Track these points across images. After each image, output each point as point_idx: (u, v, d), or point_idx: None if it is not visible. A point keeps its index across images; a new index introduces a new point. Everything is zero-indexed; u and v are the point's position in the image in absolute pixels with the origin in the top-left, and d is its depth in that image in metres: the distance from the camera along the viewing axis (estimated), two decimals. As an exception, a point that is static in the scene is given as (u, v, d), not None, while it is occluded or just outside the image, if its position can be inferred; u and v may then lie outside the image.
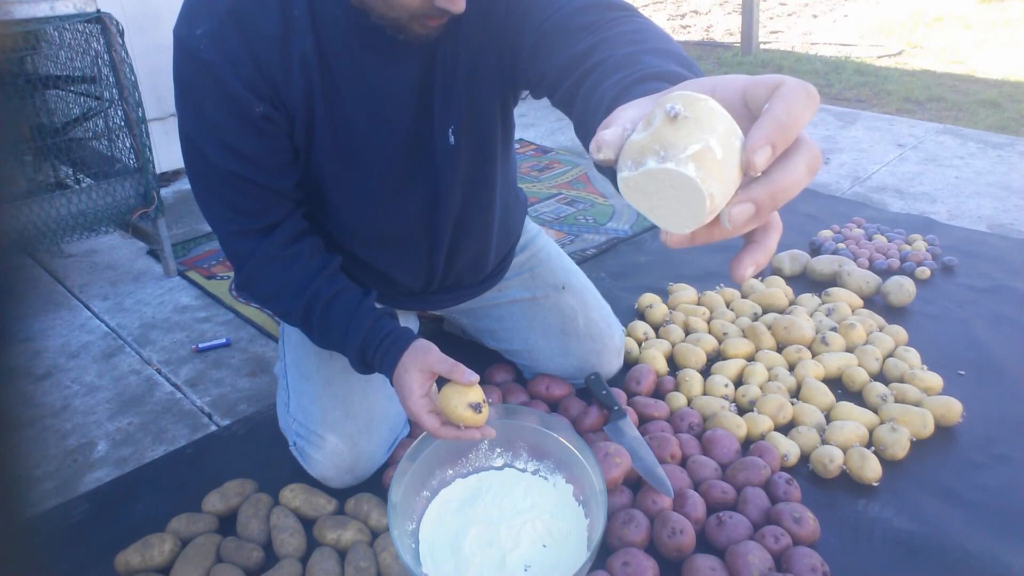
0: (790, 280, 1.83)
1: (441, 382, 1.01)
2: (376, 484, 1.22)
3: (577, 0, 0.87)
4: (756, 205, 0.44)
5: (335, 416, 1.20)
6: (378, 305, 1.10)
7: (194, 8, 0.96)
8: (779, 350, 1.55)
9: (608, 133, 0.47)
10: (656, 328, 1.63)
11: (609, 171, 0.56)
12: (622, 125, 0.47)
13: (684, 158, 0.41)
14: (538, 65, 0.90)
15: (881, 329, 1.60)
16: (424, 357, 1.01)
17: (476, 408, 0.97)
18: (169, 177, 2.57)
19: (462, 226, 1.21)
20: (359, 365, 1.08)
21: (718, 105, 0.43)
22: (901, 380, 1.45)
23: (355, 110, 1.03)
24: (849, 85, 3.81)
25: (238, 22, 0.94)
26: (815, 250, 1.98)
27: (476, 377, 0.98)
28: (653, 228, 2.17)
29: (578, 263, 1.52)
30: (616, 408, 1.30)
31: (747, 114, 0.47)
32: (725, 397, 1.40)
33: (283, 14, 0.95)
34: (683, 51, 0.75)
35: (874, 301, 1.75)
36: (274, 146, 1.02)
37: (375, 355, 1.05)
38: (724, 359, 1.52)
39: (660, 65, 0.68)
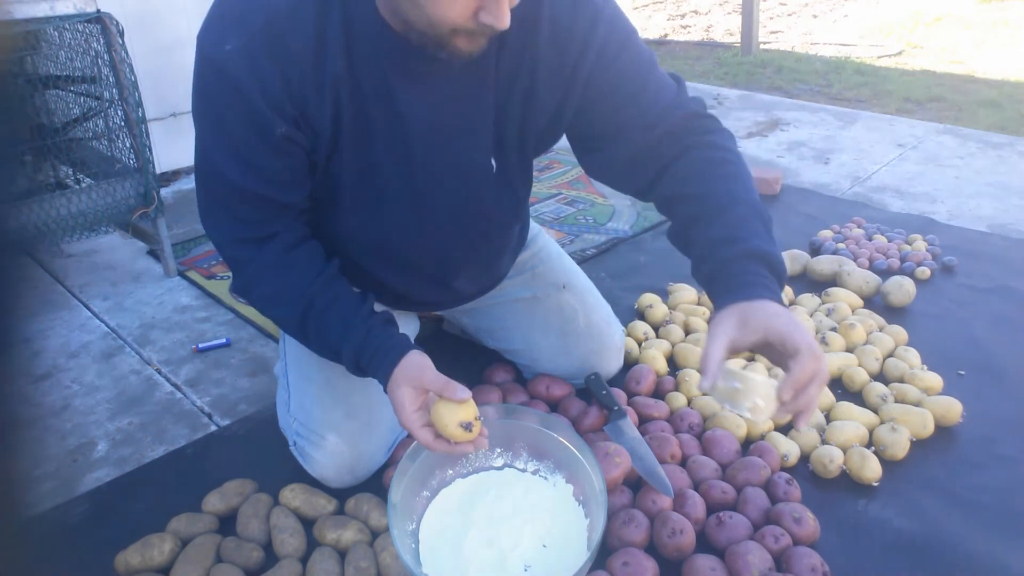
0: (790, 280, 1.83)
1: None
2: (376, 484, 1.22)
3: (666, 103, 1.03)
4: (791, 412, 0.87)
5: (336, 416, 1.20)
6: (376, 307, 1.10)
7: (224, 21, 0.93)
8: (779, 350, 1.55)
9: (705, 384, 0.87)
10: (656, 328, 1.63)
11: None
12: (712, 373, 0.85)
13: (744, 409, 0.87)
14: (607, 144, 1.08)
15: (881, 329, 1.60)
16: (417, 375, 0.99)
17: (467, 427, 0.97)
18: (169, 177, 2.57)
19: (478, 255, 1.24)
20: (355, 370, 1.07)
21: (760, 376, 0.85)
22: (901, 380, 1.45)
23: (380, 131, 1.01)
24: (849, 85, 3.81)
25: (271, 41, 0.91)
26: (815, 250, 1.98)
27: (468, 394, 0.97)
28: (653, 227, 2.18)
29: (578, 263, 1.52)
30: (616, 408, 1.30)
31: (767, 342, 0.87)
32: (725, 397, 1.40)
33: (317, 34, 0.93)
34: (755, 190, 1.00)
35: (874, 301, 1.75)
36: (291, 164, 1.01)
37: (369, 364, 1.03)
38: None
39: (755, 242, 0.92)
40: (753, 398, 0.79)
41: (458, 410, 0.97)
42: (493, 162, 1.10)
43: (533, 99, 1.05)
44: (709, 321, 0.99)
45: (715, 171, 1.01)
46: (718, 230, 0.95)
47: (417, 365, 1.00)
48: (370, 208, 1.09)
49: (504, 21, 0.85)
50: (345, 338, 1.04)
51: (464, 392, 0.97)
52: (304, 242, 1.08)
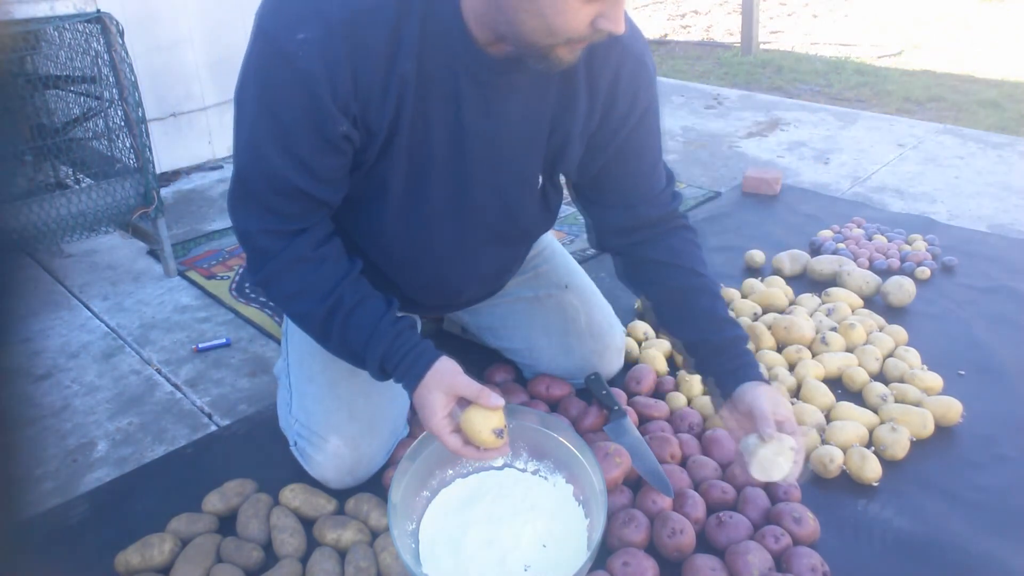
0: (790, 280, 1.83)
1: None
2: (376, 484, 1.22)
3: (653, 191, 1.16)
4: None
5: (338, 419, 1.19)
6: (399, 314, 1.08)
7: (297, 11, 0.90)
8: (779, 350, 1.55)
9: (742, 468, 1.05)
10: (656, 328, 1.63)
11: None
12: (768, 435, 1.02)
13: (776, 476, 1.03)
14: (603, 200, 1.18)
15: (881, 329, 1.60)
16: (450, 380, 0.99)
17: (499, 434, 0.97)
18: (169, 177, 2.57)
19: (501, 265, 1.25)
20: (378, 374, 1.06)
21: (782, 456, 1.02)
22: (901, 380, 1.45)
23: (439, 137, 1.01)
24: (849, 85, 3.81)
25: (348, 36, 0.89)
26: (815, 250, 1.98)
27: (501, 402, 0.97)
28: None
29: (578, 263, 1.52)
30: (616, 408, 1.30)
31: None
32: (725, 397, 1.40)
33: (394, 33, 0.91)
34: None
35: (874, 301, 1.75)
36: (340, 163, 1.00)
37: (396, 368, 1.02)
38: (724, 359, 1.52)
39: (730, 331, 1.13)
40: (775, 473, 1.01)
41: (491, 417, 0.97)
42: (540, 178, 1.11)
43: (581, 128, 1.07)
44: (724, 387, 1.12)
45: (702, 256, 1.19)
46: (722, 310, 1.15)
47: (450, 371, 1.00)
48: (414, 213, 1.09)
49: (622, 26, 0.87)
50: (372, 341, 1.02)
51: (498, 399, 0.97)
52: (332, 238, 1.07)
